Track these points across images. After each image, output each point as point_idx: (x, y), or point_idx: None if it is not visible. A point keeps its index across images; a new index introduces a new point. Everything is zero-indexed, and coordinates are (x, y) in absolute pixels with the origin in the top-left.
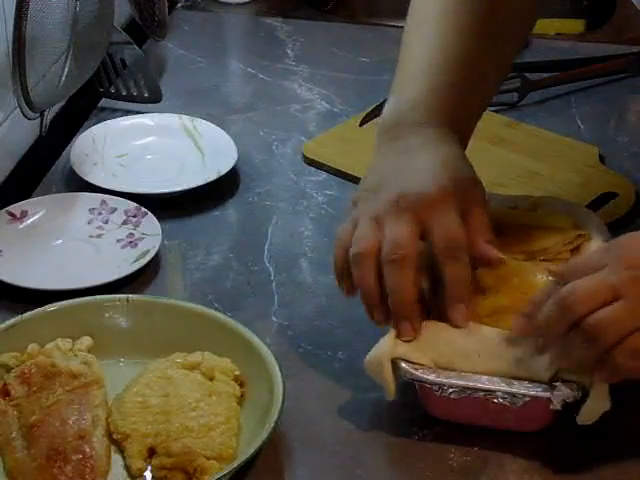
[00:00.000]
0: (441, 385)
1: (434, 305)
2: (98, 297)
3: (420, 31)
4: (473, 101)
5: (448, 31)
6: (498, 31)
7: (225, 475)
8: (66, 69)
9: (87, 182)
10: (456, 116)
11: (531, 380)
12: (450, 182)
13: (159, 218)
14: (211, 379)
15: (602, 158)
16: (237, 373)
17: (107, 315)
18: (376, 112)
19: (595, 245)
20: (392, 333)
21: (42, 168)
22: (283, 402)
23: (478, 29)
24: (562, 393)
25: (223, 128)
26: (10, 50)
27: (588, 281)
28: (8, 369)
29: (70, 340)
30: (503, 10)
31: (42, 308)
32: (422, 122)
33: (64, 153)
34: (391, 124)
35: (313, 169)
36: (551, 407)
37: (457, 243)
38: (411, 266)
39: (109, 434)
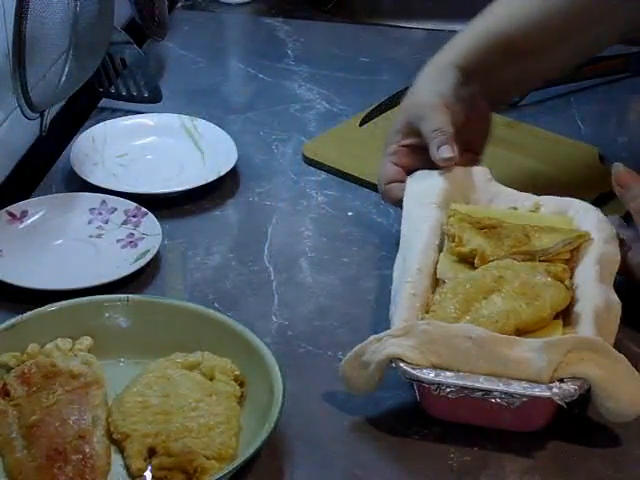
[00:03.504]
0: (439, 385)
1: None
2: (98, 297)
3: None
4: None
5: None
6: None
7: (225, 475)
8: (66, 69)
9: (87, 182)
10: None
11: (529, 381)
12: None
13: (159, 218)
14: (211, 379)
15: (602, 158)
16: (237, 373)
17: (107, 315)
18: (376, 112)
19: (596, 246)
20: (390, 335)
21: (42, 168)
22: (283, 402)
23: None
24: (560, 393)
25: (223, 128)
26: (10, 50)
27: None
28: (8, 369)
29: (70, 340)
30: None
31: (42, 308)
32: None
33: (64, 153)
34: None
35: (313, 169)
36: (557, 402)
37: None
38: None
39: (109, 434)
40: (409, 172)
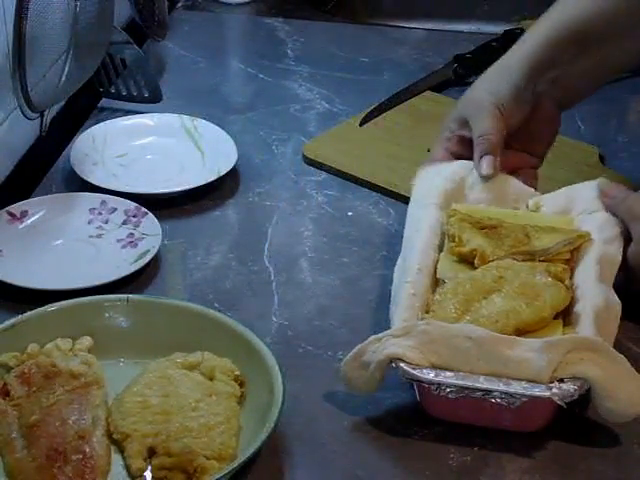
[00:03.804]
0: (439, 385)
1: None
2: (98, 297)
3: None
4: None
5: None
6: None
7: (225, 475)
8: (66, 69)
9: (87, 182)
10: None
11: (529, 381)
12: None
13: (159, 218)
14: (211, 379)
15: (602, 158)
16: (237, 373)
17: (107, 315)
18: (376, 112)
19: (597, 246)
20: (389, 336)
21: (42, 168)
22: (283, 402)
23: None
24: (560, 393)
25: (223, 128)
26: (10, 50)
27: None
28: (8, 369)
29: (70, 340)
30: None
31: (42, 308)
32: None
33: (64, 153)
34: None
35: (313, 169)
36: (557, 402)
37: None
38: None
39: (109, 434)
40: (457, 158)
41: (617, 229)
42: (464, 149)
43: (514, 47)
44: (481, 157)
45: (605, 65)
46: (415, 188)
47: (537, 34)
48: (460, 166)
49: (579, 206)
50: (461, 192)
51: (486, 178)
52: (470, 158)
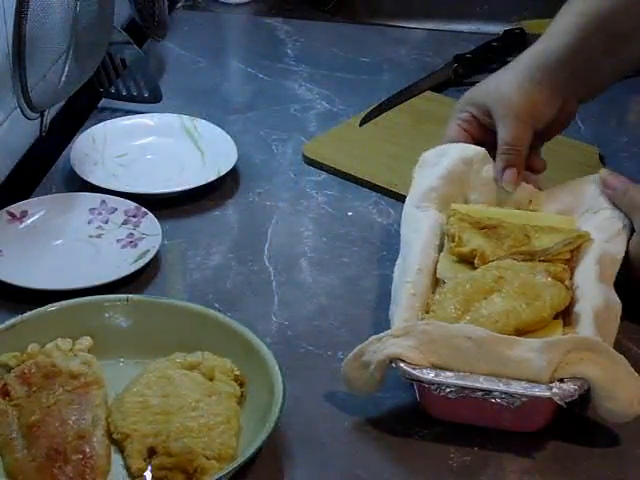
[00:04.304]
0: (439, 385)
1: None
2: (98, 297)
3: None
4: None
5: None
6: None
7: (225, 475)
8: (66, 69)
9: (87, 182)
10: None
11: (529, 381)
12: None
13: (159, 218)
14: (211, 379)
15: (602, 158)
16: (237, 373)
17: (107, 315)
18: (376, 112)
19: (597, 246)
20: (389, 336)
21: (42, 168)
22: (283, 402)
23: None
24: (560, 393)
25: (223, 128)
26: (10, 50)
27: None
28: (8, 369)
29: (70, 340)
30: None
31: (42, 308)
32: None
33: (64, 153)
34: None
35: (313, 169)
36: (557, 402)
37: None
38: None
39: (109, 434)
40: (473, 139)
41: (620, 224)
42: (485, 134)
43: (540, 45)
44: (504, 168)
45: (628, 60)
46: (414, 184)
47: (566, 31)
48: (461, 162)
49: (584, 204)
50: (461, 192)
51: (508, 190)
52: (490, 145)
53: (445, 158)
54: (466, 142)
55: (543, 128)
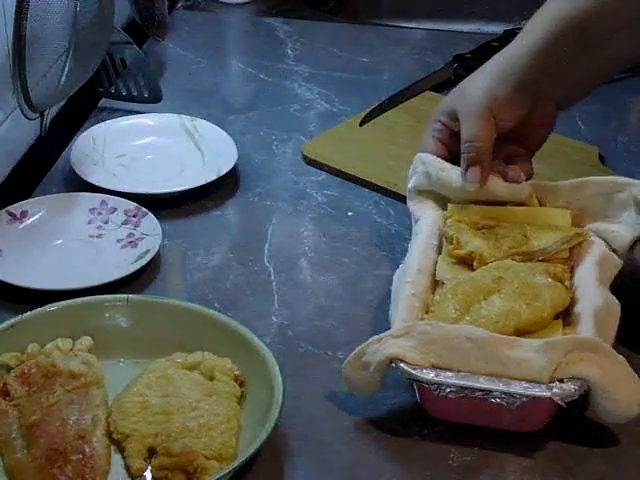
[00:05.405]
0: (439, 385)
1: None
2: (98, 297)
3: None
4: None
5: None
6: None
7: (225, 475)
8: (66, 69)
9: (87, 182)
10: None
11: (529, 381)
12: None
13: (159, 218)
14: (211, 379)
15: (602, 158)
16: (237, 373)
17: (107, 315)
18: (376, 112)
19: (597, 246)
20: (389, 337)
21: (42, 168)
22: (283, 402)
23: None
24: (560, 393)
25: (223, 128)
26: (10, 50)
27: None
28: (8, 369)
29: (70, 340)
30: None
31: (42, 308)
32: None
33: (64, 153)
34: None
35: (313, 169)
36: (557, 402)
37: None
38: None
39: (109, 434)
40: (448, 151)
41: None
42: (455, 143)
43: (512, 44)
44: (467, 167)
45: (605, 64)
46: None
47: (537, 30)
48: (423, 176)
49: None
50: (441, 197)
51: (470, 188)
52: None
53: (414, 175)
54: (438, 152)
55: (517, 129)
